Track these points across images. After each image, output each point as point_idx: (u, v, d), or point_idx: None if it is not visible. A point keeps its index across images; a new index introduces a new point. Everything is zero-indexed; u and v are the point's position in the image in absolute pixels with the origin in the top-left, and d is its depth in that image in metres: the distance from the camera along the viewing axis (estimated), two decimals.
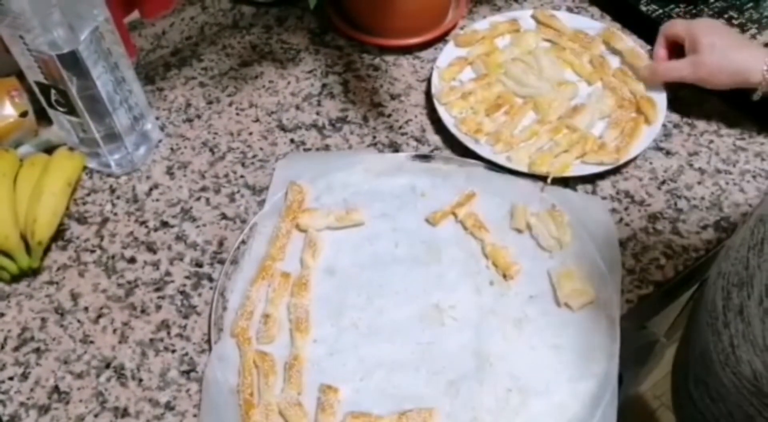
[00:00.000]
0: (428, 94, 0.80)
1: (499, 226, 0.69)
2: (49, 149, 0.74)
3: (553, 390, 0.59)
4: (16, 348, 0.63)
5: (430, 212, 0.70)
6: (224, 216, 0.72)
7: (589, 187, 0.73)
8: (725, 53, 0.72)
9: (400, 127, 0.79)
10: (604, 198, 0.72)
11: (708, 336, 0.62)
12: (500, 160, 0.72)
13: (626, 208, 0.72)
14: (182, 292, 0.67)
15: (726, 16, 0.85)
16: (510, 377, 0.60)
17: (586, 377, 0.59)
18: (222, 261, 0.68)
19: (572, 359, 0.61)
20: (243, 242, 0.68)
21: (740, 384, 0.57)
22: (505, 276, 0.65)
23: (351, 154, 0.76)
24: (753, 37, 0.84)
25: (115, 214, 0.72)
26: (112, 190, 0.74)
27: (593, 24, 0.86)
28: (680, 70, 0.75)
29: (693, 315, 0.72)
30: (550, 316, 0.63)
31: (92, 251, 0.70)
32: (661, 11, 0.86)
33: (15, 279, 0.67)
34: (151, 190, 0.74)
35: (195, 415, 0.59)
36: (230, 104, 0.82)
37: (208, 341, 0.63)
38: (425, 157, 0.74)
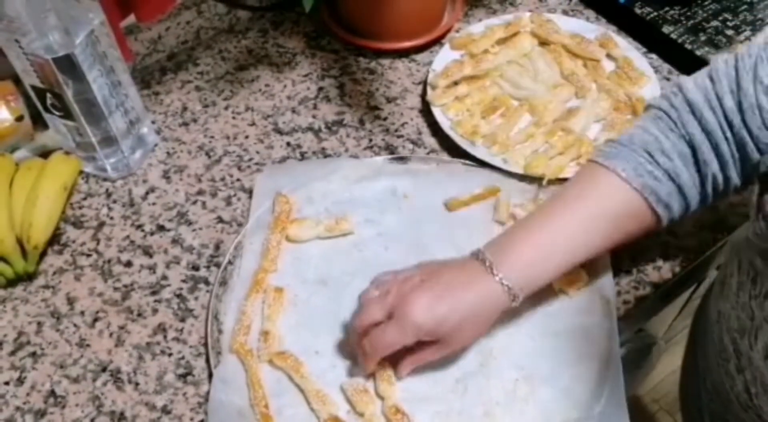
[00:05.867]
0: (424, 97, 0.80)
1: (484, 220, 0.69)
2: (45, 153, 0.74)
3: (558, 375, 0.60)
4: (12, 353, 0.63)
5: (417, 212, 0.70)
6: (220, 220, 0.72)
7: None
8: (463, 323, 0.56)
9: (397, 130, 0.79)
10: None
11: (721, 376, 0.60)
12: (496, 161, 0.72)
13: None
14: (179, 296, 0.66)
15: (720, 18, 0.86)
16: (515, 368, 0.60)
17: (589, 358, 0.60)
18: (218, 265, 0.68)
19: (573, 343, 0.61)
20: (230, 262, 0.67)
21: None
22: None
23: (327, 162, 0.75)
24: (747, 38, 0.84)
25: (111, 218, 0.72)
26: (108, 194, 0.74)
27: (589, 27, 0.86)
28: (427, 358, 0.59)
29: (696, 342, 0.70)
30: (547, 303, 0.64)
31: (88, 255, 0.69)
32: (656, 14, 0.87)
33: (11, 283, 0.67)
34: (147, 193, 0.74)
35: (192, 419, 0.59)
36: (226, 108, 0.82)
37: (205, 345, 0.63)
38: (402, 159, 0.74)
